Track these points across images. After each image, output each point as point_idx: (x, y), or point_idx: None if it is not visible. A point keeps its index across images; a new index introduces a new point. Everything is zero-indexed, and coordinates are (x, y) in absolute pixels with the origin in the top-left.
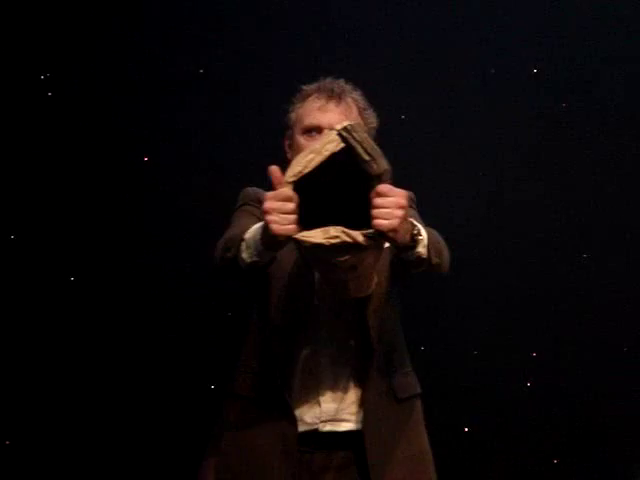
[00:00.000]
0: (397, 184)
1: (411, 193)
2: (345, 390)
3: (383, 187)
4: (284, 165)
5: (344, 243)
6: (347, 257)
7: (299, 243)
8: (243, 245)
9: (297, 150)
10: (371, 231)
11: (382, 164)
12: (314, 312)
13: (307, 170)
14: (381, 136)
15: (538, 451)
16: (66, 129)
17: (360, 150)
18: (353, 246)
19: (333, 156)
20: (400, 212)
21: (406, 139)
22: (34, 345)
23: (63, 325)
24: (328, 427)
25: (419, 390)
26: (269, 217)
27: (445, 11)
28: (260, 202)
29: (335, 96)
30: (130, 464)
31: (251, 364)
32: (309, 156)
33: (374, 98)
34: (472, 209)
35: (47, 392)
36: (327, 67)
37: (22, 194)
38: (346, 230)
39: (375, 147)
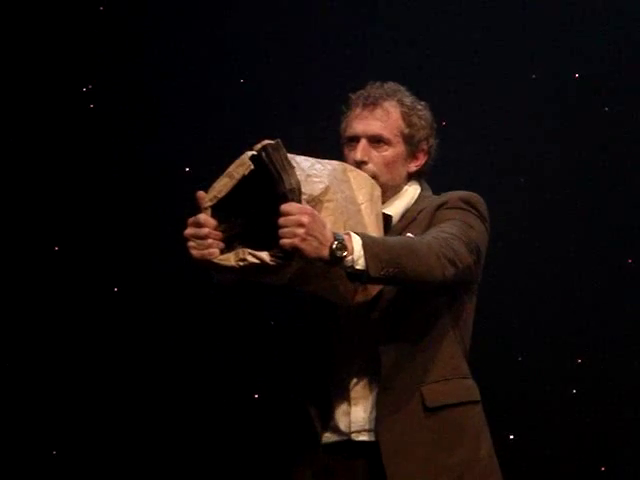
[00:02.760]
0: (444, 189)
1: (469, 194)
2: (374, 399)
3: (285, 206)
4: None
5: (253, 265)
6: (267, 277)
7: (215, 265)
8: None
9: (342, 160)
10: (277, 250)
11: (288, 183)
12: (342, 323)
13: (222, 194)
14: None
15: (584, 458)
16: (108, 141)
17: (271, 170)
18: (263, 267)
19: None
20: (300, 230)
21: (447, 145)
22: (79, 356)
23: (107, 336)
24: (361, 437)
25: (470, 398)
26: (188, 243)
27: (487, 17)
28: None
29: (369, 103)
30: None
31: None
32: (223, 180)
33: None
34: (512, 214)
35: (92, 403)
36: (374, 73)
37: (65, 206)
38: (252, 252)
39: (286, 166)
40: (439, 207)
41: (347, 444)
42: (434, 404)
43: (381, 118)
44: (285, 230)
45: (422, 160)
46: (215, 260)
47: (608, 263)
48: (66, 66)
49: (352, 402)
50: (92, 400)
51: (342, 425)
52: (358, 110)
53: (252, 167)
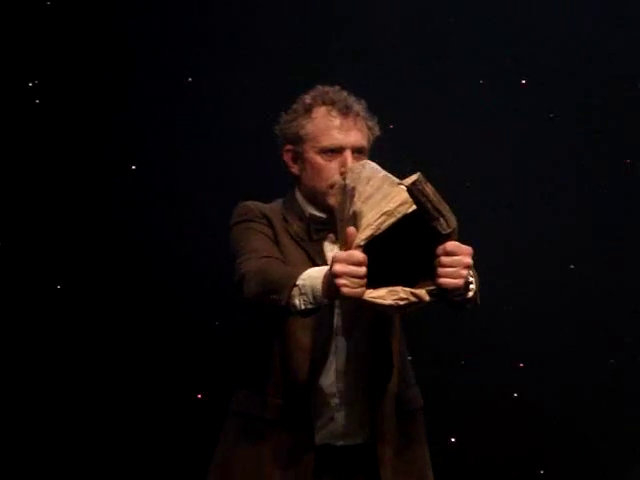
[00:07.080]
0: None
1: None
2: (361, 405)
3: (451, 245)
4: (286, 178)
5: (411, 303)
6: (406, 311)
7: (366, 303)
8: (296, 291)
9: (315, 169)
10: (435, 288)
11: (451, 221)
12: (335, 332)
13: (379, 232)
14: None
15: (524, 462)
16: (54, 137)
17: (429, 207)
18: (416, 304)
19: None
20: (465, 272)
21: (394, 148)
22: (21, 354)
23: (50, 334)
24: (342, 442)
25: (422, 403)
26: (340, 280)
27: (434, 22)
28: (266, 217)
29: (351, 113)
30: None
31: (265, 384)
32: (381, 218)
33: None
34: (462, 220)
35: (34, 402)
36: (322, 75)
37: (8, 202)
38: (414, 291)
39: (442, 201)
40: None
41: (326, 450)
42: (408, 408)
43: (361, 129)
44: (450, 270)
45: None
46: (367, 298)
47: (550, 268)
48: (12, 61)
49: (337, 409)
50: (32, 400)
51: (322, 432)
52: (339, 119)
53: (414, 207)
